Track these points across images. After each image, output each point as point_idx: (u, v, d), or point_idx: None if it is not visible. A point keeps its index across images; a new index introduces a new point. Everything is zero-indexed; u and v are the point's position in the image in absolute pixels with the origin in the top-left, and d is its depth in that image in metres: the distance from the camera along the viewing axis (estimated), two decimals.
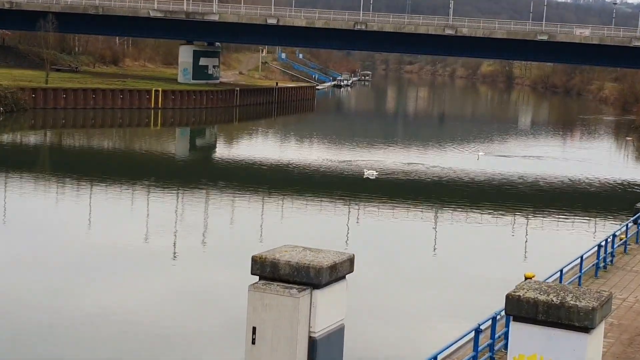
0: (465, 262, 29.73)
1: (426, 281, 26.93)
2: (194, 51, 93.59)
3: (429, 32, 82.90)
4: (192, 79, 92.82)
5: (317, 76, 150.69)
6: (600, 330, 8.30)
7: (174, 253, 28.67)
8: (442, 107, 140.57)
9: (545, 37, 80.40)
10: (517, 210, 41.03)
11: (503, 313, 13.86)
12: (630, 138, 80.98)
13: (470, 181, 48.94)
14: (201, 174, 49.60)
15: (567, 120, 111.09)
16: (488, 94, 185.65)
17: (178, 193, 41.57)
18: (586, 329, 7.99)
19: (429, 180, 48.27)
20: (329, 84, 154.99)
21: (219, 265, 27.37)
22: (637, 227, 27.44)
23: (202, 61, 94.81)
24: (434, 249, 31.85)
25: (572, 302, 8.05)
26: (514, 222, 37.98)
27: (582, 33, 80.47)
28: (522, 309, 8.21)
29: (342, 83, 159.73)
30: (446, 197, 44.15)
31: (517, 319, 8.30)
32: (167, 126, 76.25)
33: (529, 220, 38.53)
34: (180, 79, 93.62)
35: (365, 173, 47.01)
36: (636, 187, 50.10)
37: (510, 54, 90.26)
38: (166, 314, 22.31)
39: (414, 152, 63.09)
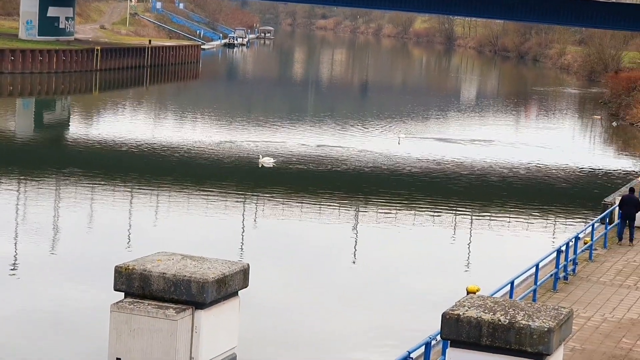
0: (392, 273, 30.05)
1: (342, 298, 27.13)
2: None
3: None
4: (38, 35, 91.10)
5: (202, 32, 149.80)
6: (558, 357, 8.52)
7: (14, 263, 28.15)
8: (365, 74, 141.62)
9: None
10: (459, 208, 41.71)
11: (439, 337, 14.11)
12: (598, 116, 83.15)
13: (401, 171, 49.51)
14: (49, 159, 48.82)
15: (520, 93, 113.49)
16: (423, 58, 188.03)
17: (19, 184, 40.83)
18: (540, 355, 8.19)
19: (347, 168, 48.61)
20: (218, 42, 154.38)
21: (72, 279, 26.99)
22: (605, 228, 28.27)
23: (52, 11, 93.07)
24: (353, 257, 32.08)
25: (523, 322, 8.24)
26: (455, 223, 38.60)
27: None
28: (462, 331, 8.36)
29: (235, 41, 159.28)
30: (369, 191, 44.49)
31: (456, 344, 8.44)
32: (5, 97, 74.61)
33: (473, 221, 39.23)
34: (22, 34, 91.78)
35: (260, 159, 47.19)
36: (605, 178, 51.58)
37: (450, 8, 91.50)
38: (1, 343, 21.88)
39: (327, 132, 63.41)
